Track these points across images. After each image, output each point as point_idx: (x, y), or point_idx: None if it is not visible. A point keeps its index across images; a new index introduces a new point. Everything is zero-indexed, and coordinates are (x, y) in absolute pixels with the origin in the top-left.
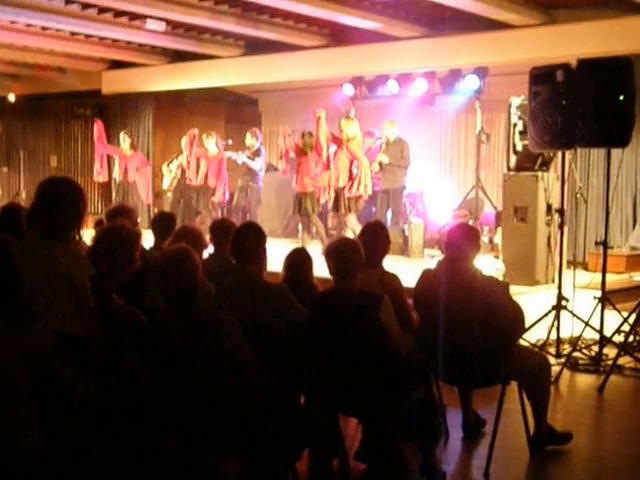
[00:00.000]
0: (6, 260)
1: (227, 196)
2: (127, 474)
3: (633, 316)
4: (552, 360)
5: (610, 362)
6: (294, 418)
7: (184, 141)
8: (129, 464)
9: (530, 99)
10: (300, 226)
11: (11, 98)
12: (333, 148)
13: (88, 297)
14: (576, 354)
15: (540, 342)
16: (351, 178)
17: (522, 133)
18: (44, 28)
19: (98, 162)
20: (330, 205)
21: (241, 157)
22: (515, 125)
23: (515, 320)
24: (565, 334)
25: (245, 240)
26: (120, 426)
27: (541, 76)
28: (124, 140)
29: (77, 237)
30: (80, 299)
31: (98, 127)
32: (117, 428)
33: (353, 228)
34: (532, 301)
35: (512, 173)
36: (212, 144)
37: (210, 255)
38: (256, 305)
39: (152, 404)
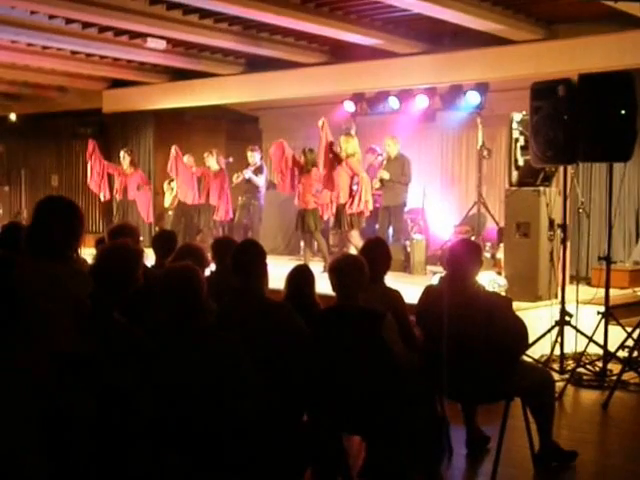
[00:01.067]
0: (6, 278)
1: (231, 214)
2: None
3: (637, 331)
4: (556, 376)
5: (614, 378)
6: (297, 436)
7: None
8: None
9: (531, 114)
10: (302, 243)
11: (12, 117)
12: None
13: (89, 315)
14: (580, 370)
15: (544, 358)
16: (351, 195)
17: (524, 148)
18: (45, 47)
19: (96, 180)
20: (332, 222)
21: (247, 173)
22: (517, 140)
23: (518, 336)
24: (569, 350)
25: (245, 257)
26: (121, 446)
27: (542, 91)
28: (124, 158)
29: (75, 255)
30: (80, 317)
31: (92, 146)
32: (118, 448)
33: (356, 245)
34: (535, 317)
35: (514, 188)
36: (213, 161)
37: (212, 273)
38: (258, 322)
39: (153, 424)
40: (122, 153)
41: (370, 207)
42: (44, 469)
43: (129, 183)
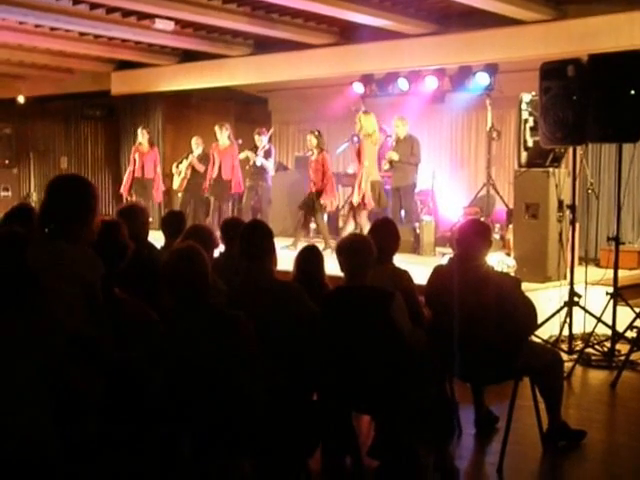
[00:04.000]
0: (17, 257)
1: (242, 186)
2: (138, 475)
3: None
4: (564, 356)
5: (622, 358)
6: (306, 415)
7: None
8: (140, 464)
9: (541, 95)
10: (299, 222)
11: (20, 99)
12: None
13: (99, 296)
14: (588, 350)
15: (552, 338)
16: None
17: (533, 129)
18: (53, 29)
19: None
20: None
21: (259, 159)
22: (526, 121)
23: (527, 316)
24: (577, 330)
25: (252, 238)
26: (131, 426)
27: (552, 71)
28: (143, 135)
29: (89, 235)
30: (91, 298)
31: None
32: (128, 428)
33: (362, 225)
34: (544, 297)
35: (523, 169)
36: (225, 136)
37: (221, 254)
38: (267, 302)
39: (163, 403)
40: (140, 130)
41: (371, 203)
42: (55, 445)
43: (146, 161)
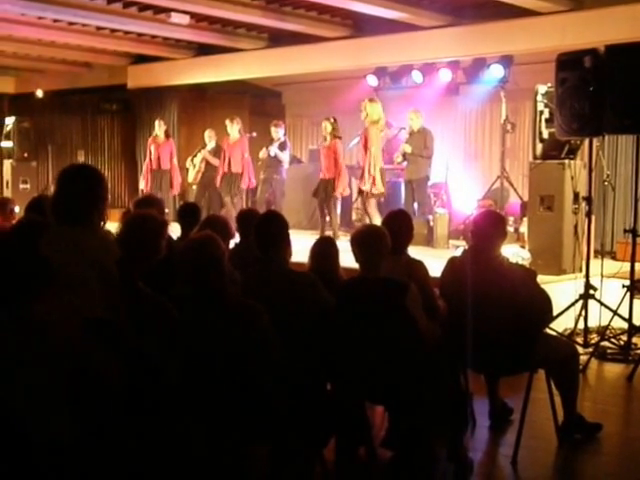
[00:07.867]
0: (35, 243)
1: (253, 181)
2: (153, 461)
3: None
4: (580, 349)
5: (639, 351)
6: (321, 405)
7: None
8: (155, 451)
9: (557, 86)
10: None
11: (39, 94)
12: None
13: (115, 281)
14: (604, 343)
15: (568, 331)
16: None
17: (548, 121)
18: (71, 23)
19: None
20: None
21: (272, 149)
22: (541, 113)
23: (542, 308)
24: (593, 323)
25: (268, 229)
26: (147, 412)
27: (568, 62)
28: (160, 127)
29: (101, 223)
30: (107, 283)
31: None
32: (144, 414)
33: (371, 215)
34: (559, 290)
35: (538, 162)
36: (236, 130)
37: (236, 244)
38: (282, 293)
39: (180, 391)
40: (158, 121)
41: (380, 188)
42: (69, 431)
43: (162, 153)
